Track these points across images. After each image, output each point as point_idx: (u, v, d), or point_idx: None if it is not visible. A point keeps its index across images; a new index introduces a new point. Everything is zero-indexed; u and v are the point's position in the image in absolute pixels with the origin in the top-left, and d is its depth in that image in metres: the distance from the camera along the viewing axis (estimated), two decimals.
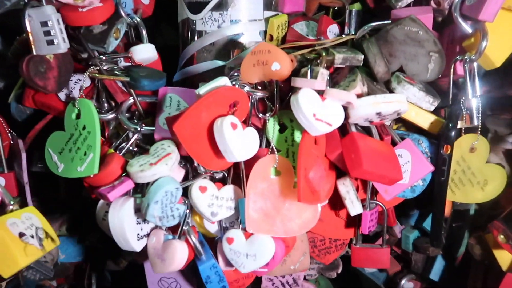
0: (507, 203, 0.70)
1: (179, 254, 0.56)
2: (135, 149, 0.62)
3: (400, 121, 0.68)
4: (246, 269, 0.56)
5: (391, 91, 0.63)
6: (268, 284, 0.77)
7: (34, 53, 0.55)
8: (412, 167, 0.63)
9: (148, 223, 0.59)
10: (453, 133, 0.61)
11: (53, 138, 0.61)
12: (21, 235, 0.47)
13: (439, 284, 0.90)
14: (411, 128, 0.67)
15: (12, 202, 0.52)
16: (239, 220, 0.58)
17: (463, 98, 0.63)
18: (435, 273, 0.88)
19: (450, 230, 0.80)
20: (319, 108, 0.54)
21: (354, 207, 0.62)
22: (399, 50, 0.63)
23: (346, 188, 0.62)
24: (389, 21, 0.64)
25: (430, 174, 0.65)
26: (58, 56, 0.58)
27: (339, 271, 0.94)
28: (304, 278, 0.79)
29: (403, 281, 0.94)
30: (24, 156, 0.62)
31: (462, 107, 0.62)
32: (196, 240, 0.57)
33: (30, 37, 0.55)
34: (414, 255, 0.91)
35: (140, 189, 0.59)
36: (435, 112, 0.65)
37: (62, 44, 0.56)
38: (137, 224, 0.57)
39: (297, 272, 0.71)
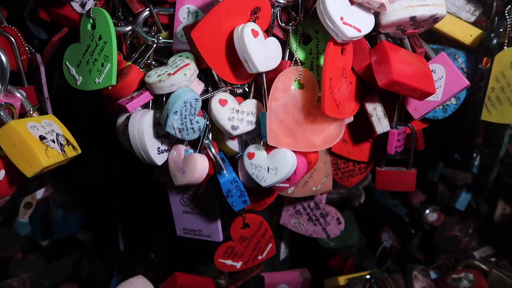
0: None
1: (200, 166, 0.55)
2: (153, 63, 0.60)
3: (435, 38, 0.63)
4: (267, 183, 0.55)
5: None
6: (290, 208, 0.77)
7: None
8: (445, 83, 0.59)
9: (168, 137, 0.58)
10: (494, 44, 0.56)
11: (70, 50, 0.59)
12: (42, 138, 0.46)
13: (464, 215, 0.88)
14: (447, 43, 0.62)
15: (32, 109, 0.52)
16: (260, 136, 0.57)
17: (509, 7, 0.57)
18: (461, 203, 0.86)
19: (481, 157, 0.76)
20: (347, 11, 0.50)
21: (380, 124, 0.60)
22: None
23: (373, 104, 0.59)
24: None
25: (465, 92, 0.61)
26: None
27: (362, 200, 0.94)
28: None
29: (427, 211, 0.93)
30: (43, 69, 0.61)
31: (507, 17, 0.57)
32: (216, 153, 0.56)
33: None
34: (440, 186, 0.89)
35: (160, 105, 0.58)
36: (475, 24, 0.60)
37: None
38: (157, 138, 0.57)
39: (319, 193, 0.69)
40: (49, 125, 0.49)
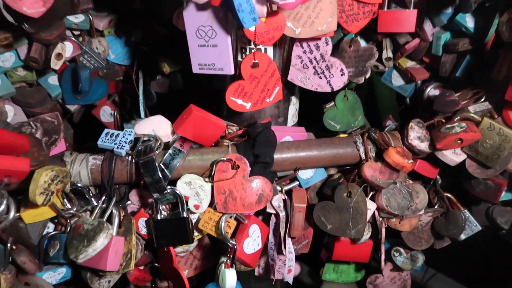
0: None
1: None
2: None
3: None
4: None
5: None
6: (297, 62, 0.82)
7: None
8: None
9: None
10: None
11: None
12: None
13: (462, 83, 0.92)
14: None
15: None
16: None
17: None
18: (461, 71, 0.90)
19: (482, 12, 0.79)
20: None
21: None
22: None
23: None
24: None
25: None
26: None
27: (367, 75, 0.98)
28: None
29: (429, 88, 0.97)
30: None
31: None
32: None
33: None
34: (444, 57, 0.92)
35: None
36: None
37: None
38: None
39: (324, 32, 0.74)
40: None
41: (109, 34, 1.02)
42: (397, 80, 1.04)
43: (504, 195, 0.88)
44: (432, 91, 0.97)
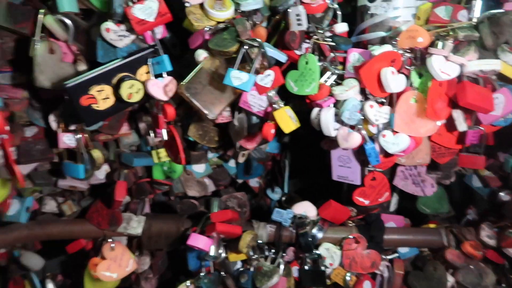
0: None
1: (355, 139, 1.07)
2: (334, 82, 1.14)
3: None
4: (391, 150, 1.05)
5: (497, 57, 1.01)
6: (400, 174, 1.25)
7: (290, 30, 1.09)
8: (504, 105, 1.02)
9: (341, 123, 1.11)
10: None
11: (290, 74, 1.15)
12: None
13: None
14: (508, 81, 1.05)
15: None
16: (390, 124, 1.07)
17: None
18: None
19: None
20: (444, 66, 0.97)
21: (461, 125, 1.05)
22: (506, 30, 1.00)
23: (457, 113, 1.05)
24: (502, 10, 1.01)
25: None
26: None
27: (452, 179, 1.36)
28: None
29: (501, 193, 1.32)
30: None
31: None
32: (365, 132, 1.08)
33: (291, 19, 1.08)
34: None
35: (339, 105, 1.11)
36: None
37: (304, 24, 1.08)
38: (335, 122, 1.10)
39: (421, 164, 1.16)
40: None
41: None
42: (476, 182, 1.40)
43: None
44: (504, 196, 1.32)
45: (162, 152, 1.20)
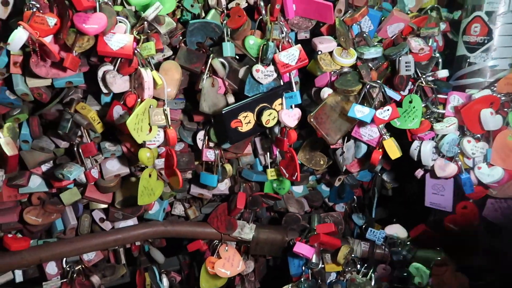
0: None
1: (452, 169, 1.22)
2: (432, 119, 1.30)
3: None
4: (486, 181, 1.19)
5: None
6: (490, 206, 1.37)
7: None
8: None
9: (438, 154, 1.26)
10: None
11: None
12: None
13: None
14: None
15: None
16: (486, 158, 1.21)
17: None
18: None
19: None
20: None
21: None
22: None
23: None
24: None
25: None
26: None
27: None
28: None
29: None
30: None
31: None
32: (462, 163, 1.22)
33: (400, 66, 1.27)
34: None
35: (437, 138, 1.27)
36: None
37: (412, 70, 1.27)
38: (433, 153, 1.26)
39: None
40: None
41: None
42: None
43: None
44: None
45: (274, 171, 1.41)
